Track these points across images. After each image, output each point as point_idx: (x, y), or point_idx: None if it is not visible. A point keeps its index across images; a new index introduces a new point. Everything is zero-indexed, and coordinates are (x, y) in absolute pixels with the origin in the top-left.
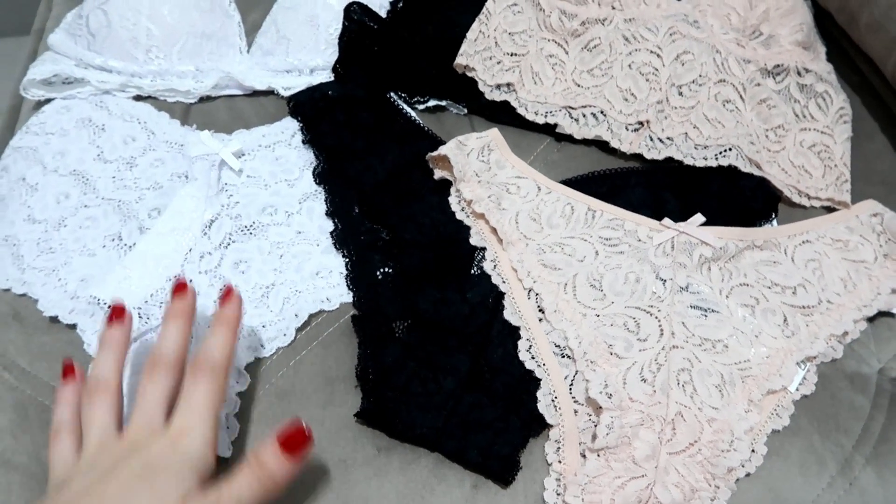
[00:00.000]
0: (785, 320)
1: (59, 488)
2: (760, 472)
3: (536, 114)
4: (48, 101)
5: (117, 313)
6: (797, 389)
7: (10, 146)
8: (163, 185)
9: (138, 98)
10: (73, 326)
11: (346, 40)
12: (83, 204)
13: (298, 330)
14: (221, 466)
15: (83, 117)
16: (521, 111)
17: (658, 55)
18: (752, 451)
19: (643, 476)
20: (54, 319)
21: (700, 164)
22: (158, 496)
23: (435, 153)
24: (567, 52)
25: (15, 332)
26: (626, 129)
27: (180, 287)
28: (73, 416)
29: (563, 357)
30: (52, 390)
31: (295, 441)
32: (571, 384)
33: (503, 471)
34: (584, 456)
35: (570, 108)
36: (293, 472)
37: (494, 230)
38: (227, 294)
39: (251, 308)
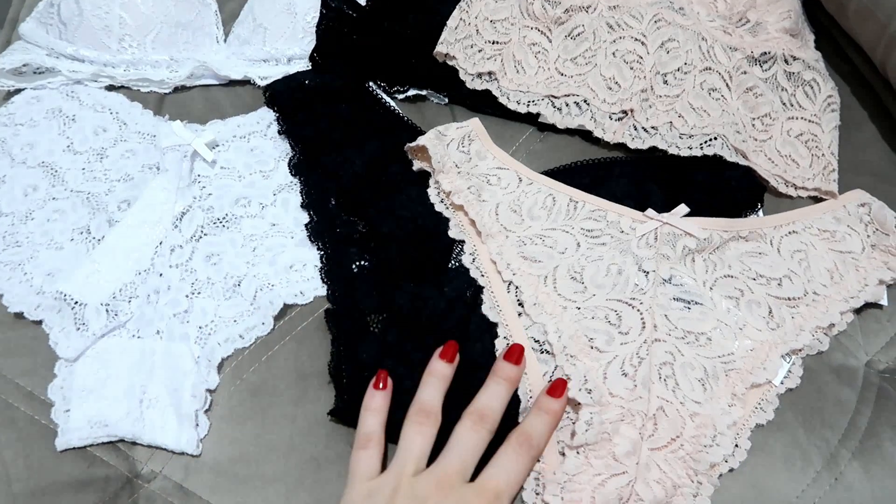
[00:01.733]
0: (770, 312)
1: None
2: (744, 468)
3: (519, 103)
4: (18, 91)
5: (448, 352)
6: (782, 383)
7: None
8: (133, 177)
9: (111, 88)
10: (39, 322)
11: (323, 28)
12: (51, 196)
13: (275, 321)
14: (190, 463)
15: (53, 108)
16: (502, 100)
17: (643, 43)
18: (736, 446)
19: (624, 473)
20: (19, 315)
21: (685, 153)
22: None
23: (414, 143)
24: (550, 41)
25: None
26: (610, 118)
27: (515, 351)
28: (382, 428)
29: (543, 353)
30: (16, 387)
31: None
32: (550, 381)
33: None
34: (563, 454)
35: (553, 97)
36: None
37: (474, 222)
38: (559, 388)
39: (224, 300)
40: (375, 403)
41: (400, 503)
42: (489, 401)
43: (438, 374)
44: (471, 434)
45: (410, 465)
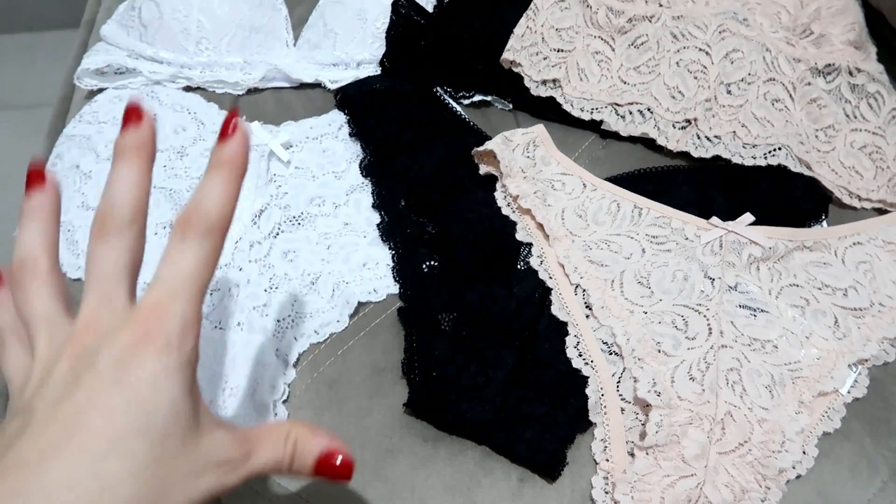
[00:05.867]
0: (836, 322)
1: (14, 412)
2: (811, 475)
3: (582, 110)
4: (100, 90)
5: (35, 177)
6: (849, 392)
7: (63, 134)
8: None
9: (188, 89)
10: None
11: (393, 35)
12: None
13: (350, 318)
14: None
15: None
16: (566, 107)
17: (707, 53)
18: (804, 453)
19: (693, 475)
20: None
21: (749, 163)
22: (143, 408)
23: (481, 148)
24: (613, 49)
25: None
26: (674, 126)
27: (132, 113)
28: (16, 318)
29: (611, 354)
30: None
31: (331, 470)
32: (618, 382)
33: (550, 466)
34: (631, 454)
35: (617, 104)
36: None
37: (541, 226)
38: (230, 122)
39: (301, 296)
40: None
41: (32, 390)
42: (111, 194)
43: (33, 211)
44: (98, 250)
45: (40, 336)
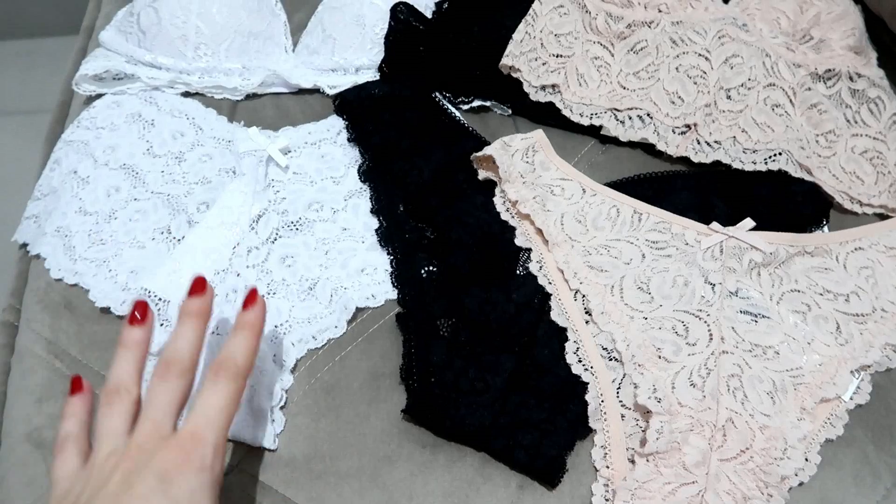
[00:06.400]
0: (838, 328)
1: (63, 500)
2: (813, 482)
3: (581, 115)
4: (98, 96)
5: (140, 312)
6: (851, 399)
7: (61, 140)
8: (211, 180)
9: (186, 94)
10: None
11: (391, 40)
12: (133, 197)
13: (347, 323)
14: (266, 457)
15: (133, 112)
16: (565, 113)
17: (706, 58)
18: (806, 460)
19: (694, 482)
20: (105, 310)
21: (749, 168)
22: None
23: (480, 153)
24: (612, 55)
25: (66, 322)
26: (673, 132)
27: (198, 285)
28: (81, 428)
29: (611, 360)
30: (103, 379)
31: None
32: (619, 388)
33: (550, 472)
34: (631, 461)
35: (616, 110)
36: None
37: (540, 231)
38: (252, 298)
39: (299, 301)
40: (72, 408)
41: (89, 493)
42: (176, 345)
43: (132, 343)
44: (160, 387)
45: (105, 446)
